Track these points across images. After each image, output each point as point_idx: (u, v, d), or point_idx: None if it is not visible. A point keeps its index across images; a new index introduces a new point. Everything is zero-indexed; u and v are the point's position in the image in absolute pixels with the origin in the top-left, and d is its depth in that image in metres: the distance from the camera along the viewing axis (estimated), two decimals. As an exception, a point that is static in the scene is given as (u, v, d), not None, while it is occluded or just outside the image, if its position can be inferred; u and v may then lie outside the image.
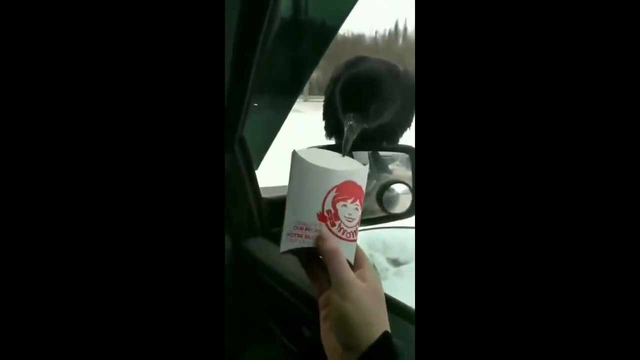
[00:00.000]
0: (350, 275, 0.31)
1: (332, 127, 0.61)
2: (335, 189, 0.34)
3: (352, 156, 0.62)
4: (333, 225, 0.34)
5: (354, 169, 0.35)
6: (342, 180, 0.34)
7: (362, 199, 0.36)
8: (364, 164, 0.36)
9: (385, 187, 0.56)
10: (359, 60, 0.53)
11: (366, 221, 0.60)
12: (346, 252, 0.34)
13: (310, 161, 0.33)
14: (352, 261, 0.34)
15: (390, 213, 0.57)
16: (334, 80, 0.53)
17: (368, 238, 1.19)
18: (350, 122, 0.42)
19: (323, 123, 0.62)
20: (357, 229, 0.35)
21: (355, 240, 0.35)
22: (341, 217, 0.34)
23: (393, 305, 0.41)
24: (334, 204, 0.34)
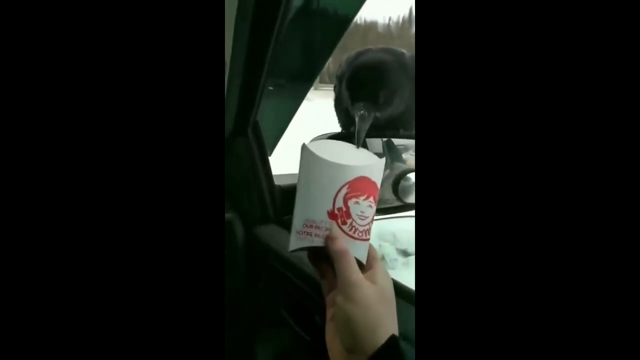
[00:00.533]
0: (358, 276, 0.30)
1: (344, 121, 0.60)
2: (347, 186, 0.32)
3: (366, 145, 0.61)
4: (344, 223, 0.32)
5: (368, 163, 0.33)
6: (354, 176, 0.32)
7: (377, 196, 0.33)
8: (380, 157, 0.34)
9: (401, 176, 0.55)
10: (360, 53, 0.52)
11: (380, 210, 0.59)
12: (357, 252, 0.32)
13: (320, 155, 0.31)
14: (363, 261, 0.33)
15: (405, 202, 0.55)
16: (339, 79, 0.52)
17: (378, 229, 1.19)
18: (361, 112, 0.41)
19: (335, 118, 0.62)
20: (370, 227, 0.33)
21: (367, 240, 0.33)
22: (353, 215, 0.32)
23: (399, 289, 0.41)
24: (345, 201, 0.32)
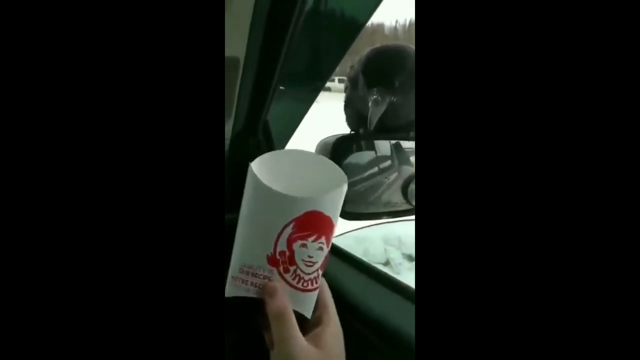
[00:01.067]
0: (297, 346, 0.24)
1: (354, 122, 0.60)
2: (292, 224, 0.25)
3: (374, 147, 0.60)
4: (286, 271, 0.26)
5: (322, 193, 0.26)
6: (302, 212, 0.25)
7: (332, 233, 0.27)
8: (343, 182, 0.27)
9: (411, 179, 0.54)
10: (376, 47, 0.51)
11: (389, 213, 0.59)
12: (300, 305, 0.27)
13: (263, 180, 0.25)
14: (308, 315, 0.27)
15: (414, 206, 0.55)
16: (352, 80, 0.52)
17: (384, 232, 1.19)
18: (375, 96, 0.40)
19: (345, 120, 0.61)
20: (319, 273, 0.27)
21: (314, 290, 0.27)
22: (297, 260, 0.26)
23: (401, 288, 0.42)
24: (289, 244, 0.26)
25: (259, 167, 0.26)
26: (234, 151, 0.51)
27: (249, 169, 0.26)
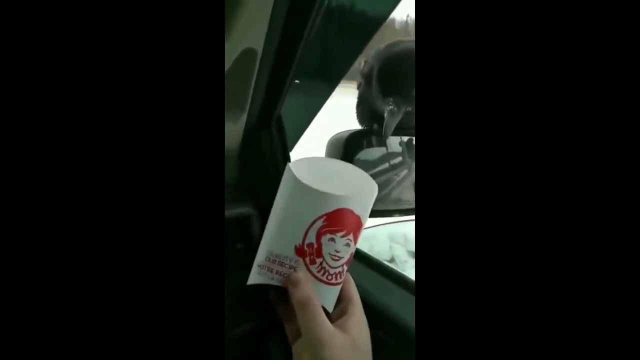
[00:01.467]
0: (324, 330, 0.25)
1: (366, 118, 0.59)
2: (323, 218, 0.27)
3: (385, 143, 0.60)
4: (313, 262, 0.27)
5: (354, 193, 0.27)
6: (334, 208, 0.26)
7: (359, 232, 0.28)
8: (373, 187, 0.28)
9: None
10: (392, 45, 0.50)
11: (401, 211, 0.58)
12: (323, 298, 0.28)
13: (299, 177, 0.27)
14: (329, 308, 0.28)
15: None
16: (366, 76, 0.51)
17: (389, 230, 1.19)
18: (391, 107, 0.40)
19: (356, 118, 0.61)
20: (344, 269, 0.28)
21: (338, 284, 0.28)
22: (325, 254, 0.27)
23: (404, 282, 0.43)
24: (318, 237, 0.27)
25: (296, 167, 0.27)
26: (247, 145, 0.51)
27: (287, 166, 0.27)
